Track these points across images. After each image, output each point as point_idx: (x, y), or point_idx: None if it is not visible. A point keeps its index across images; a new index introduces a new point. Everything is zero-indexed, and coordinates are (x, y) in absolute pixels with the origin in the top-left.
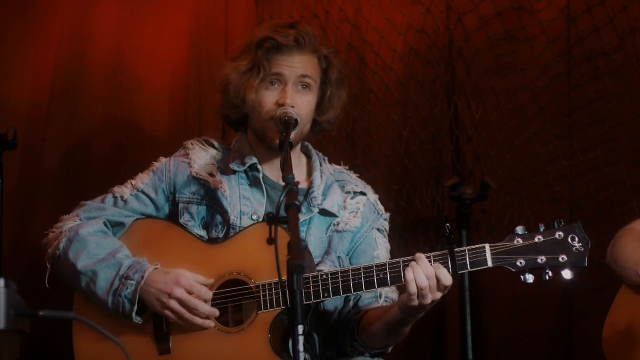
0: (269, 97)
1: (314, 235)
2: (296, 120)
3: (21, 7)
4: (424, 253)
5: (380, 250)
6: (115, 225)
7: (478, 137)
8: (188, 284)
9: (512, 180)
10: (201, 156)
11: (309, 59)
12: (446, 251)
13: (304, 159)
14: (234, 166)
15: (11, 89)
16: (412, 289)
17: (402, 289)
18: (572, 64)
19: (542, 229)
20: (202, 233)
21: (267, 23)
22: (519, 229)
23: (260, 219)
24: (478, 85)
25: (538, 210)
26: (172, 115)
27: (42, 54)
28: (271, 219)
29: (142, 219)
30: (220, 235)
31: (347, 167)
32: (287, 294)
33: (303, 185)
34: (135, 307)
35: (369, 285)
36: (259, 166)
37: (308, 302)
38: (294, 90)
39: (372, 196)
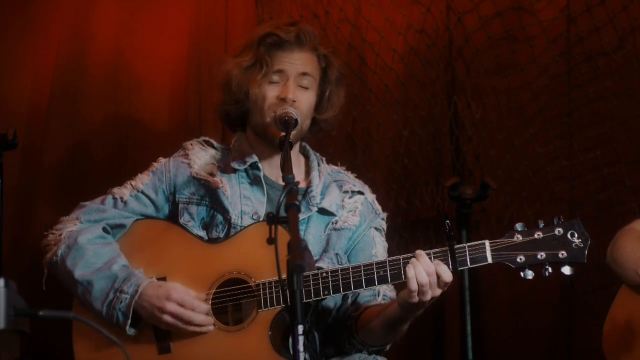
0: (271, 92)
1: (312, 234)
2: (296, 120)
3: (21, 7)
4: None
5: (378, 249)
6: (115, 227)
7: (478, 137)
8: (179, 298)
9: (512, 180)
10: (201, 156)
11: (309, 57)
12: (446, 248)
13: (302, 159)
14: (234, 165)
15: (11, 89)
16: (413, 285)
17: (401, 286)
18: (572, 64)
19: (541, 225)
20: (202, 234)
21: (267, 23)
22: (519, 226)
23: (261, 219)
24: (478, 85)
25: (538, 210)
26: (172, 115)
27: (42, 54)
28: (271, 219)
29: (142, 219)
30: (221, 235)
31: (344, 168)
32: (287, 293)
33: (301, 185)
34: (129, 321)
35: (369, 283)
36: (259, 165)
37: (308, 300)
38: (294, 86)
39: (370, 196)
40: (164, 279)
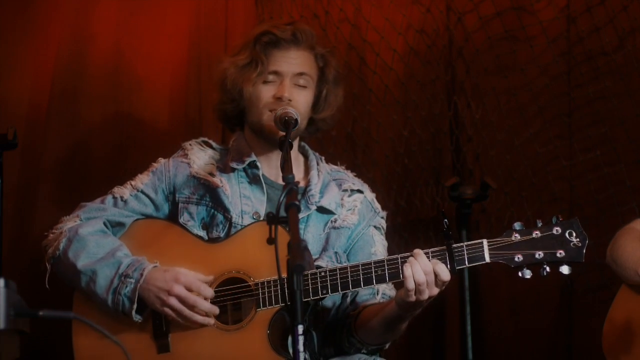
0: (266, 91)
1: (311, 233)
2: (296, 120)
3: (21, 7)
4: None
5: (377, 247)
6: (115, 226)
7: (478, 137)
8: (187, 281)
9: (512, 180)
10: (200, 156)
11: (306, 56)
12: (444, 247)
13: (301, 158)
14: (233, 164)
15: (11, 89)
16: (410, 285)
17: (400, 285)
18: (572, 64)
19: (539, 224)
20: (202, 233)
21: (265, 23)
22: (517, 225)
23: (262, 218)
24: (478, 85)
25: (538, 210)
26: (172, 115)
27: (42, 54)
28: (271, 218)
29: (141, 219)
30: (222, 235)
31: (344, 167)
32: (287, 293)
33: (300, 184)
34: (135, 306)
35: (367, 282)
36: (258, 163)
37: (306, 300)
38: (291, 85)
39: (369, 194)
40: None
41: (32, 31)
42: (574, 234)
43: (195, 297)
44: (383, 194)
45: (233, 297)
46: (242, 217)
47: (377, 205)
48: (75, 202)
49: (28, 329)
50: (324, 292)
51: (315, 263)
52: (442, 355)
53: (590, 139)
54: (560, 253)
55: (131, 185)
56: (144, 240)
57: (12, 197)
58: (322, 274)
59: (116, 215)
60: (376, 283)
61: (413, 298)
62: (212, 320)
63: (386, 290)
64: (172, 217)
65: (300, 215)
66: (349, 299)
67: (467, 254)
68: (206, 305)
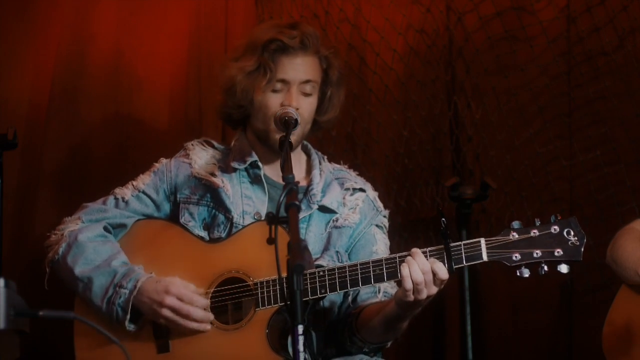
0: (274, 100)
1: (313, 232)
2: (296, 120)
3: (21, 8)
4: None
5: (379, 246)
6: (116, 227)
7: (478, 137)
8: (179, 293)
9: (512, 180)
10: (202, 156)
11: (311, 61)
12: (442, 246)
13: (303, 157)
14: (234, 164)
15: (11, 89)
16: (408, 284)
17: (400, 283)
18: (572, 64)
19: (537, 223)
20: (203, 234)
21: (267, 23)
22: (515, 224)
23: (263, 218)
24: (478, 85)
25: (538, 210)
26: (172, 115)
27: (42, 54)
28: (271, 219)
29: (143, 219)
30: (223, 235)
31: (347, 166)
32: (286, 293)
33: (302, 183)
34: (128, 316)
35: (366, 281)
36: (259, 163)
37: (305, 299)
38: (297, 93)
39: (372, 193)
40: None
41: (32, 31)
42: (572, 233)
43: (188, 307)
44: (383, 194)
45: (232, 297)
46: (243, 218)
47: (380, 204)
48: (75, 202)
49: (28, 329)
50: (323, 291)
51: (317, 262)
52: (442, 355)
53: (590, 139)
54: (558, 252)
55: (133, 185)
56: (145, 241)
57: (12, 197)
58: (321, 273)
59: (117, 217)
60: (374, 282)
61: (411, 298)
62: (207, 326)
63: (387, 288)
64: (173, 217)
65: (302, 215)
66: (350, 298)
67: (465, 252)
68: (200, 313)
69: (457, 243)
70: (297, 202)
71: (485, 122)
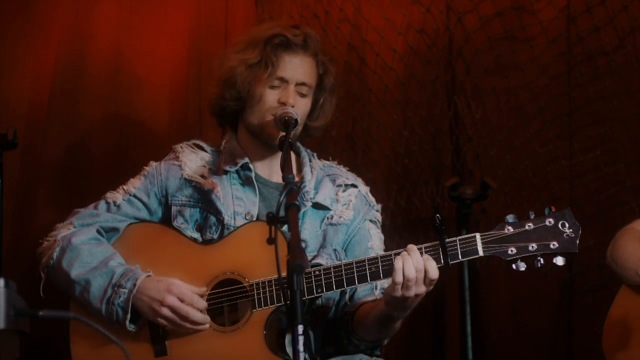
0: (271, 96)
1: (308, 230)
2: (296, 120)
3: (21, 7)
4: None
5: (374, 241)
6: (109, 231)
7: (478, 137)
8: (180, 292)
9: (512, 180)
10: (192, 159)
11: (310, 63)
12: (437, 242)
13: (293, 156)
14: (225, 167)
15: (11, 89)
16: (398, 278)
17: None
18: (572, 64)
19: (532, 216)
20: (196, 236)
21: (268, 23)
22: (510, 218)
23: (254, 219)
24: (478, 85)
25: (538, 210)
26: (172, 115)
27: (42, 54)
28: (271, 219)
29: (135, 223)
30: (215, 237)
31: (337, 162)
32: (286, 293)
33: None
34: (129, 316)
35: (362, 279)
36: (250, 165)
37: (302, 299)
38: (294, 92)
39: (364, 188)
40: None
41: (32, 31)
42: (567, 225)
43: (188, 308)
44: (383, 194)
45: (229, 299)
46: (234, 219)
47: (372, 199)
48: (75, 202)
49: (28, 329)
50: (319, 290)
51: (315, 261)
52: (442, 355)
53: (590, 139)
54: (553, 244)
55: (123, 189)
56: (138, 245)
57: (12, 197)
58: (317, 272)
59: (110, 221)
60: (370, 280)
61: (399, 293)
62: (205, 328)
63: (385, 284)
64: (166, 220)
65: None
66: (347, 296)
67: (461, 248)
68: (198, 316)
69: (453, 238)
70: (296, 202)
71: (485, 122)
